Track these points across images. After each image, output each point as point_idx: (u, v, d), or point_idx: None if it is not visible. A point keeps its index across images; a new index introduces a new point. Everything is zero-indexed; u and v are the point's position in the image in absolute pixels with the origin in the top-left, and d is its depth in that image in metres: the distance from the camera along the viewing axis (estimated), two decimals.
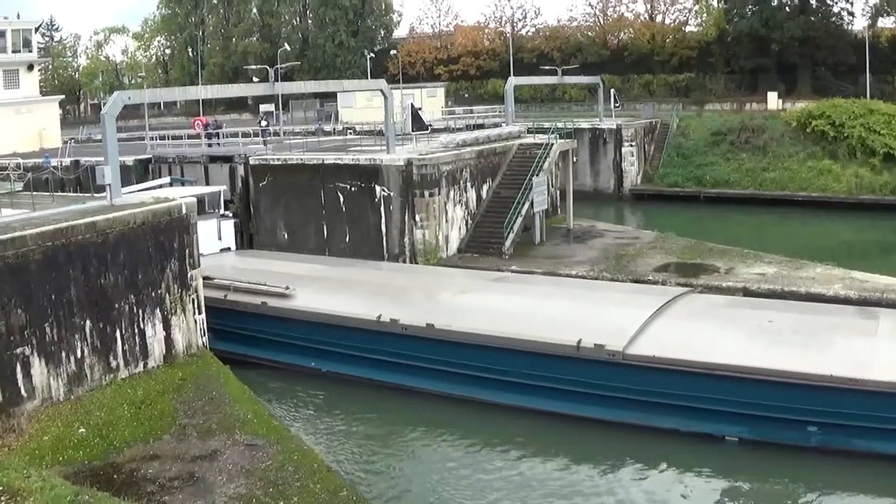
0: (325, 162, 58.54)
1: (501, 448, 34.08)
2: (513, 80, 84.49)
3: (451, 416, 37.07)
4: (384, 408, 38.28)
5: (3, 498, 17.72)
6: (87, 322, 32.49)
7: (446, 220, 56.53)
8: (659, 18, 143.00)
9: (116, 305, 33.72)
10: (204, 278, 43.66)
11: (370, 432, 36.06)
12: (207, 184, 62.22)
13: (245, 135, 78.31)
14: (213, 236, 53.24)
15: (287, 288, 44.34)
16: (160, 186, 56.14)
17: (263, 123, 77.64)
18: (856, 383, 31.37)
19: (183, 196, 49.79)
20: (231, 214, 56.44)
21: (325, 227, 57.41)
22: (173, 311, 36.21)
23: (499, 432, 35.25)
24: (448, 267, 53.69)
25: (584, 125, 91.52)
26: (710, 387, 33.21)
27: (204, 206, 52.81)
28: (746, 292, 45.75)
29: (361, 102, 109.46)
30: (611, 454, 32.95)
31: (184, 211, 37.09)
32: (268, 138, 72.81)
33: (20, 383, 30.12)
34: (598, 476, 31.71)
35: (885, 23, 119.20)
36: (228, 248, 54.98)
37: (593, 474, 31.86)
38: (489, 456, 33.67)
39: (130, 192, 51.28)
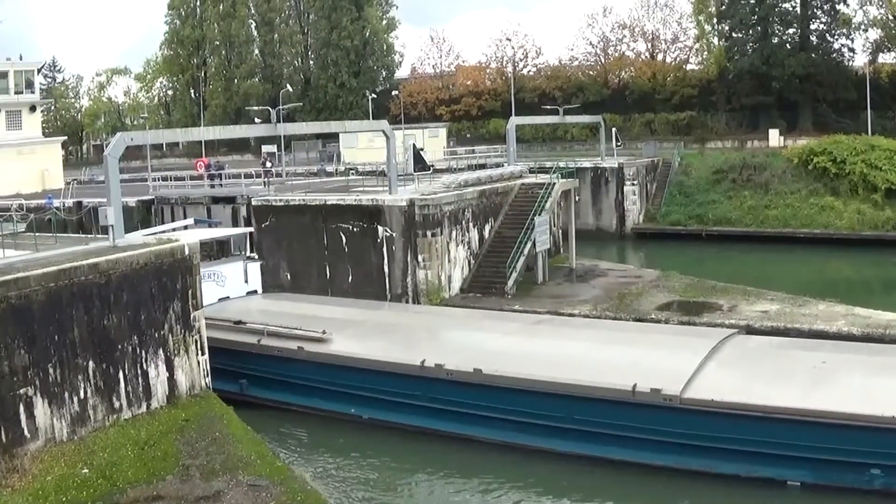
0: (328, 203, 58.70)
1: (521, 490, 33.98)
2: (514, 120, 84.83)
3: (461, 459, 36.85)
4: (390, 449, 38.07)
5: None
6: (90, 363, 32.43)
7: (449, 261, 56.60)
8: (660, 57, 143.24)
9: (119, 346, 33.66)
10: (235, 322, 44.56)
11: (375, 473, 35.93)
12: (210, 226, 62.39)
13: (247, 176, 78.41)
14: (240, 279, 52.07)
15: (323, 332, 42.95)
16: (185, 227, 55.39)
17: (268, 164, 77.76)
18: None
19: (203, 237, 49.39)
20: (257, 256, 55.15)
21: (327, 267, 57.48)
22: (176, 352, 36.12)
23: (512, 473, 35.10)
24: (473, 308, 53.15)
25: (586, 164, 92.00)
26: (770, 430, 32.36)
27: (230, 248, 52.95)
28: (750, 330, 45.20)
29: (363, 143, 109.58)
30: (669, 502, 32.70)
31: (186, 252, 37.04)
32: (269, 179, 72.78)
33: (24, 424, 30.06)
34: None
35: (885, 58, 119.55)
36: (255, 291, 53.05)
37: None
38: (499, 498, 33.59)
39: (153, 233, 51.42)
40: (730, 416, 32.91)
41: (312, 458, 37.75)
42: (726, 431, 32.96)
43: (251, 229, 55.95)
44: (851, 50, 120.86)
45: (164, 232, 51.53)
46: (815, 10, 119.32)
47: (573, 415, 35.43)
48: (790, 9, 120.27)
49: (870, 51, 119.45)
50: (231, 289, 50.93)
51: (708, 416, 33.31)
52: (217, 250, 53.23)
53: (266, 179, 71.73)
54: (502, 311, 51.57)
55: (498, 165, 79.52)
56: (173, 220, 66.02)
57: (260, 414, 39.81)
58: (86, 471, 29.40)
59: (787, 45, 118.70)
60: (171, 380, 35.86)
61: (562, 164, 73.57)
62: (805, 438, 31.89)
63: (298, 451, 38.32)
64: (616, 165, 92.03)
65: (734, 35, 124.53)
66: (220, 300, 49.50)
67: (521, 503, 33.16)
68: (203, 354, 37.53)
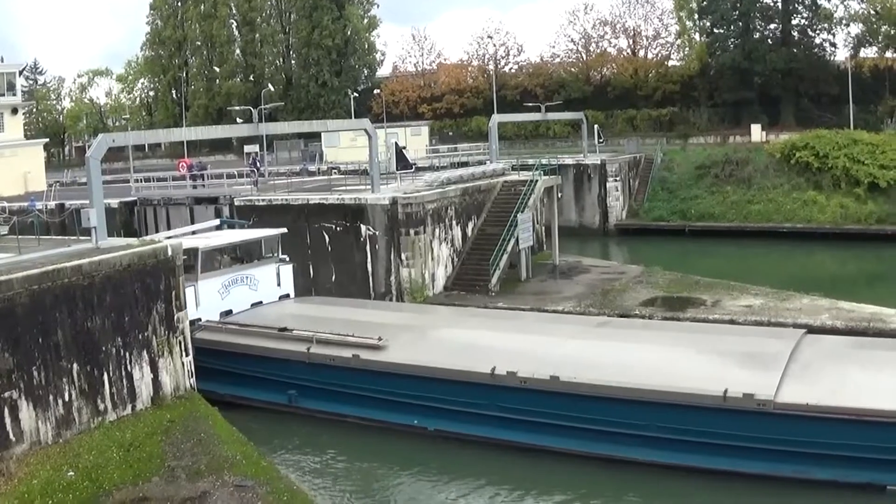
0: (310, 202, 58.70)
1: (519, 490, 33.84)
2: (496, 118, 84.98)
3: (450, 460, 36.75)
4: (377, 449, 38.00)
5: None
6: (75, 365, 32.35)
7: (432, 259, 56.68)
8: (641, 53, 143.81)
9: (103, 348, 33.57)
10: (280, 330, 43.09)
11: (361, 473, 35.94)
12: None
13: (230, 176, 78.26)
14: (273, 282, 50.12)
15: (379, 339, 40.62)
16: (211, 228, 54.51)
17: (257, 164, 77.09)
18: None
19: (233, 239, 49.62)
20: (288, 259, 52.32)
21: (311, 267, 57.35)
22: (160, 353, 36.04)
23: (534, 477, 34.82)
24: (530, 311, 51.26)
25: (569, 161, 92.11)
26: (868, 434, 31.02)
27: (261, 251, 50.79)
28: (734, 325, 45.32)
29: (346, 142, 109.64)
30: None
31: (169, 253, 36.98)
32: (258, 179, 72.43)
33: (8, 427, 29.96)
34: None
35: (867, 53, 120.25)
36: (288, 295, 50.97)
37: None
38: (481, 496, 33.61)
39: (175, 235, 50.91)
40: (825, 421, 31.53)
41: (298, 458, 37.67)
42: (822, 436, 31.59)
43: (284, 230, 52.79)
44: (833, 45, 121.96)
45: (190, 234, 51.44)
46: (796, 5, 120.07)
47: (658, 422, 33.85)
48: (771, 4, 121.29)
49: (851, 45, 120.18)
50: (264, 293, 49.35)
51: (803, 421, 31.90)
52: (246, 253, 50.97)
53: (255, 179, 71.43)
54: (561, 313, 50.60)
55: (480, 163, 79.69)
56: (156, 222, 66.01)
57: (244, 414, 39.72)
58: (71, 473, 29.36)
59: (769, 40, 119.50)
60: (156, 381, 35.76)
61: (544, 162, 73.38)
62: None
63: (284, 452, 38.22)
64: (598, 162, 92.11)
65: (715, 31, 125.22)
66: (253, 305, 48.43)
67: (497, 497, 33.15)
68: (187, 355, 37.43)
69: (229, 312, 46.88)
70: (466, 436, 37.20)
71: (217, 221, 57.04)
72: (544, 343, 40.00)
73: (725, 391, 32.60)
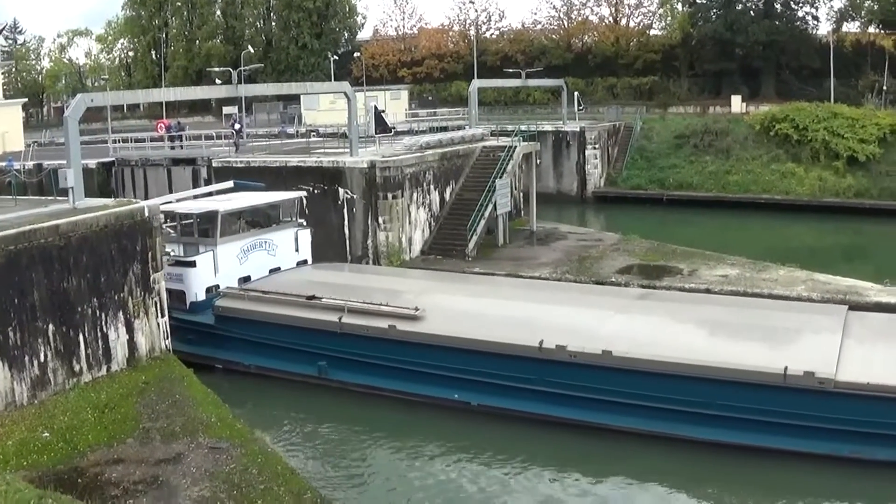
0: (289, 164, 58.60)
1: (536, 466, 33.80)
2: (476, 83, 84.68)
3: (417, 423, 36.99)
4: (349, 412, 38.03)
5: None
6: (50, 326, 32.28)
7: (409, 223, 56.67)
8: (623, 22, 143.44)
9: (79, 309, 33.50)
10: (308, 298, 41.73)
11: (335, 436, 36.02)
12: (170, 189, 61.73)
13: (208, 137, 77.93)
14: (291, 248, 49.05)
15: (416, 309, 39.33)
16: (222, 191, 51.98)
17: (237, 126, 75.43)
18: None
19: (251, 202, 48.22)
20: (306, 223, 51.34)
21: None
22: (136, 314, 35.94)
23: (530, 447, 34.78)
24: (559, 281, 50.67)
25: (548, 128, 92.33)
26: None
27: (279, 215, 49.82)
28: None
29: (325, 105, 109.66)
30: (830, 492, 30.83)
31: (146, 214, 36.82)
32: (239, 141, 71.80)
33: None
34: None
35: (849, 27, 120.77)
36: (305, 262, 49.85)
37: None
38: (447, 461, 33.76)
39: (186, 197, 49.98)
40: (887, 400, 30.83)
41: (272, 420, 37.71)
42: (884, 416, 30.91)
43: (303, 193, 52.33)
44: (815, 18, 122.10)
45: (203, 195, 50.47)
46: None
47: (716, 400, 32.91)
48: None
49: (834, 19, 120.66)
50: (282, 259, 48.27)
51: (864, 400, 31.15)
52: (263, 216, 49.50)
53: (235, 140, 71.06)
54: (604, 284, 49.22)
55: (460, 128, 79.37)
56: (133, 183, 65.76)
57: (219, 376, 39.85)
58: (46, 434, 29.33)
59: (751, 11, 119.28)
60: (132, 342, 35.71)
61: (523, 128, 73.48)
62: None
63: (258, 414, 38.21)
64: (578, 129, 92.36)
65: (698, 1, 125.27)
66: (272, 271, 47.38)
67: (478, 467, 33.26)
68: (163, 316, 37.35)
69: (247, 279, 45.80)
70: (511, 411, 36.15)
71: (230, 183, 53.94)
72: (590, 316, 39.05)
73: (786, 369, 32.01)
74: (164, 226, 43.90)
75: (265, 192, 51.79)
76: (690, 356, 33.71)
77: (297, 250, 49.32)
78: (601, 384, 34.63)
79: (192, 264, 44.03)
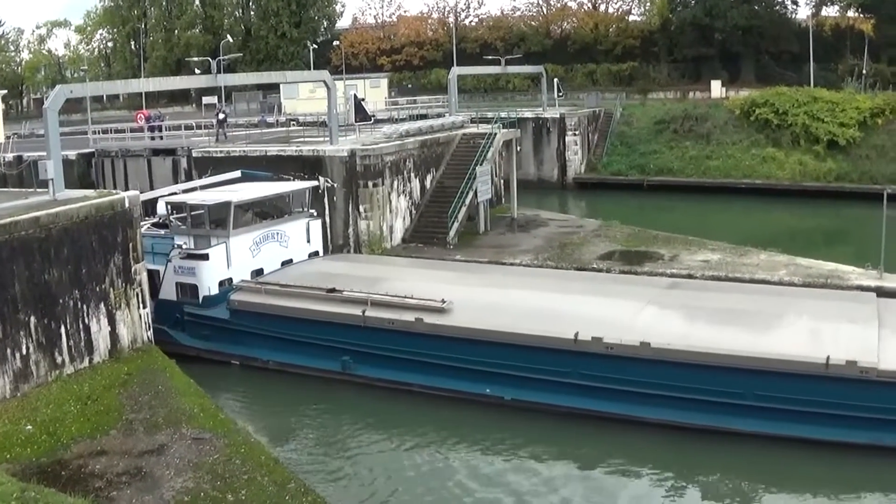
0: (269, 153, 58.39)
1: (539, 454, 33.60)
2: (456, 70, 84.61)
3: (396, 411, 36.99)
4: (330, 402, 38.07)
5: None
6: (32, 318, 32.24)
7: (390, 211, 56.69)
8: (602, 8, 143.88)
9: (61, 301, 33.47)
10: (328, 291, 41.08)
11: (317, 426, 36.14)
12: (150, 179, 61.70)
13: (188, 127, 77.73)
14: (302, 239, 48.37)
15: (443, 301, 38.56)
16: (229, 181, 52.20)
17: (221, 116, 74.30)
18: None
19: (261, 193, 47.56)
20: (317, 214, 50.94)
21: None
22: (118, 305, 35.93)
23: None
24: (587, 270, 49.64)
25: (528, 115, 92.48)
26: None
27: (289, 205, 49.19)
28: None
29: (304, 94, 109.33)
30: (870, 484, 30.23)
31: (127, 205, 36.77)
32: (223, 131, 71.17)
33: None
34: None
35: (828, 12, 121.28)
36: (317, 253, 49.42)
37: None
38: (443, 448, 33.79)
39: (194, 186, 49.98)
40: None
41: (255, 411, 37.83)
42: None
43: (315, 183, 51.95)
44: (794, 2, 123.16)
45: (210, 185, 50.30)
46: None
47: (755, 391, 32.49)
48: None
49: (813, 4, 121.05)
50: (294, 251, 47.63)
51: None
52: (273, 207, 48.75)
53: (220, 130, 70.67)
54: (631, 273, 48.29)
55: (439, 116, 79.38)
56: (114, 174, 65.55)
57: (201, 368, 39.57)
58: (29, 427, 29.32)
59: None
60: (113, 334, 35.72)
61: (503, 115, 73.58)
62: None
63: (241, 405, 38.27)
64: (558, 116, 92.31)
65: None
66: (284, 264, 46.72)
67: (453, 453, 33.33)
68: (144, 307, 37.34)
69: (260, 272, 45.10)
70: (545, 405, 35.43)
71: (238, 173, 53.94)
72: (622, 307, 38.46)
73: (828, 358, 31.51)
74: (172, 217, 43.85)
75: (274, 181, 51.59)
76: (730, 346, 33.25)
77: (308, 241, 48.81)
78: (639, 377, 34.18)
79: (205, 257, 43.30)
